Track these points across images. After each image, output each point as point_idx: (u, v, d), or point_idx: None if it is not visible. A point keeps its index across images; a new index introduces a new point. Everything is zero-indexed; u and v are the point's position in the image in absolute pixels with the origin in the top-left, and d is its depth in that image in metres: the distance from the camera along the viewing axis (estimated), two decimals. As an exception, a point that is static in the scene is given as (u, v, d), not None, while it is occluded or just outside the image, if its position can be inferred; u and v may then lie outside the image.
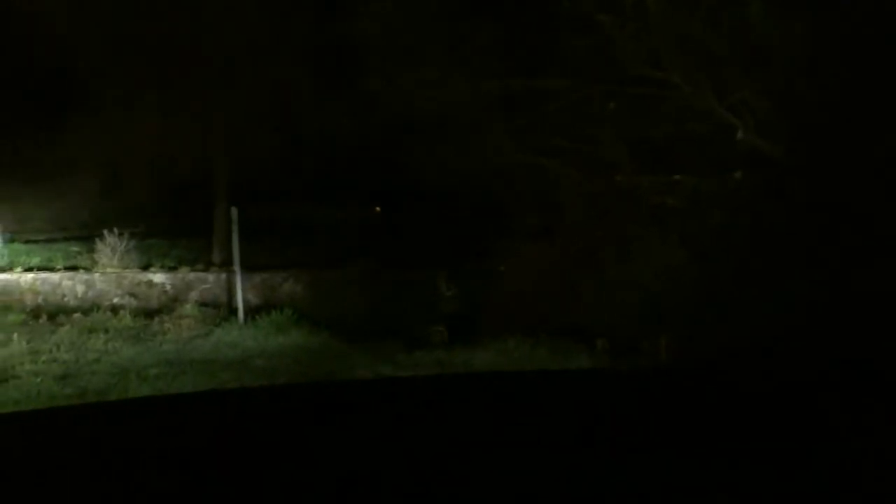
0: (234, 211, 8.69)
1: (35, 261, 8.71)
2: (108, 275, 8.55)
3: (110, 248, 8.61)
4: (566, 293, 7.03)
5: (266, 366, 6.88)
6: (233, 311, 8.51)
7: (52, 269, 8.52)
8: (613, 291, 6.71)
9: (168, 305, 8.49)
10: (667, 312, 6.48)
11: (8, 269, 8.40)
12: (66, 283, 8.39)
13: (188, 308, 8.40)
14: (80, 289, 8.40)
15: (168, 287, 8.72)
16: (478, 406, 1.85)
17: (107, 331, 7.61)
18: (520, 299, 7.22)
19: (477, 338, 7.44)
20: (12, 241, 8.88)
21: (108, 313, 8.10)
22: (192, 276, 8.85)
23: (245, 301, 8.53)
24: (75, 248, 9.10)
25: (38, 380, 6.05)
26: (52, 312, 8.01)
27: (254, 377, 6.56)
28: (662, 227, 6.69)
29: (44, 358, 6.65)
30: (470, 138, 7.16)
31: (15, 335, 7.18)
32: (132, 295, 8.60)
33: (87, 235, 9.06)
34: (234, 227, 8.65)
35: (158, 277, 8.72)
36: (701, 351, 5.99)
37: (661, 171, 6.92)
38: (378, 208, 9.83)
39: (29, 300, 8.19)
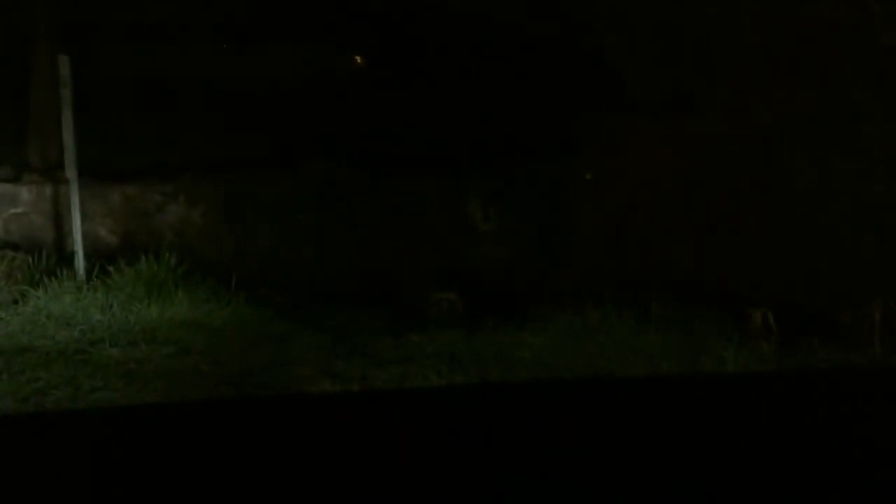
0: (63, 62, 8.20)
1: None
2: None
3: None
4: (701, 226, 7.16)
5: (125, 358, 6.68)
6: (66, 256, 8.30)
7: None
8: (792, 219, 6.83)
9: (-60, 246, 8.25)
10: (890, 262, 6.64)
11: None
12: None
13: (-20, 253, 8.15)
14: None
15: (-60, 212, 8.53)
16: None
17: None
18: (616, 236, 7.31)
19: (532, 305, 7.43)
20: None
21: None
22: (-11, 191, 8.62)
23: (91, 239, 8.34)
24: None
25: None
26: None
27: (98, 378, 6.33)
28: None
29: None
30: None
31: None
32: None
33: None
34: (66, 94, 8.20)
35: (-79, 194, 8.47)
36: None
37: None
38: (358, 58, 9.53)
39: None
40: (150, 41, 8.99)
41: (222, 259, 8.14)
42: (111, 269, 8.04)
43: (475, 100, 8.45)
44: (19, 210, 8.61)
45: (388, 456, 2.16)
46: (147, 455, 2.19)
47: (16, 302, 7.60)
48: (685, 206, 7.41)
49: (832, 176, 6.95)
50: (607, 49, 7.61)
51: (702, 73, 7.49)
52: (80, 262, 8.18)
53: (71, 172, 8.33)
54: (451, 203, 8.43)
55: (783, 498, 1.99)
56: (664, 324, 7.02)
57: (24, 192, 8.67)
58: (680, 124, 7.45)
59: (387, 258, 8.15)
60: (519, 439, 2.24)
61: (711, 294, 7.12)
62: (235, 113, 9.07)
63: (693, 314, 7.07)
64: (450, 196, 8.47)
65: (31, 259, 8.20)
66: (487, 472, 2.05)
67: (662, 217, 7.40)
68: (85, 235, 8.31)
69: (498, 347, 6.94)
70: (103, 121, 8.60)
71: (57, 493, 2.03)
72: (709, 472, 2.06)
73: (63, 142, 8.37)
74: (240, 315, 7.57)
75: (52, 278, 7.98)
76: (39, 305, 7.55)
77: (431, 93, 8.69)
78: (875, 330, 6.57)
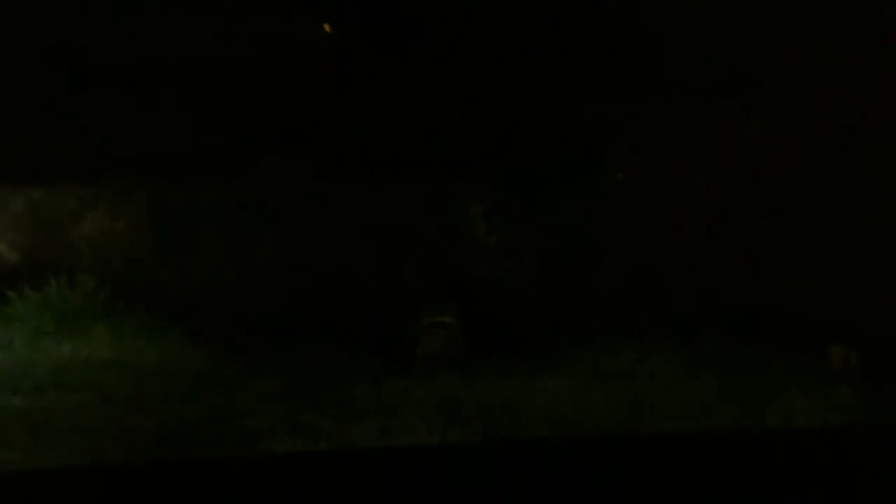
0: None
1: None
2: None
3: None
4: (764, 240, 7.36)
5: (30, 409, 6.64)
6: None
7: None
8: (878, 231, 7.04)
9: None
10: None
11: None
12: None
13: None
14: None
15: None
16: None
17: None
18: (655, 253, 7.48)
19: (549, 339, 7.53)
20: None
21: None
22: None
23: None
24: None
25: None
26: None
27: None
28: None
29: None
30: None
31: None
32: None
33: None
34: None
35: None
36: None
37: None
38: (330, 29, 9.53)
39: None
40: (64, 3, 8.89)
41: (154, 283, 8.14)
42: (13, 294, 8.03)
43: (477, 82, 8.38)
44: None
45: None
46: None
47: None
48: (743, 214, 7.47)
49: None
50: (645, 17, 7.70)
51: (764, 46, 7.53)
52: (-32, 289, 8.15)
53: (-42, 171, 8.33)
54: (447, 210, 8.44)
55: None
56: (719, 364, 7.03)
57: None
58: (735, 112, 7.52)
59: (366, 280, 8.11)
60: None
61: (778, 327, 7.13)
62: (174, 98, 8.89)
63: (755, 352, 7.10)
64: (446, 202, 8.45)
65: None
66: None
67: (714, 228, 7.45)
68: (-21, 254, 8.36)
69: (506, 393, 6.88)
70: (2, 107, 8.51)
71: None
72: None
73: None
74: (177, 354, 7.56)
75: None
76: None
77: (422, 74, 8.59)
78: None
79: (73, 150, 8.75)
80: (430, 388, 7.05)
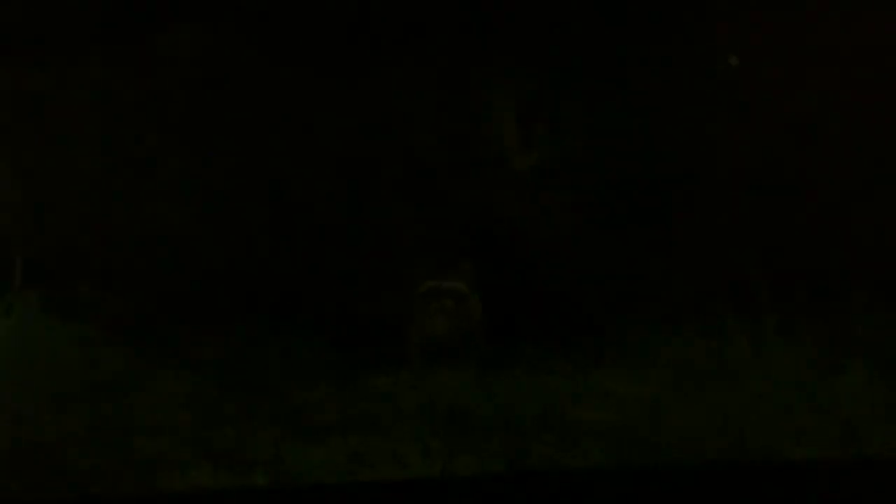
0: None
1: None
2: None
3: None
4: None
5: None
6: None
7: None
8: None
9: None
10: None
11: None
12: None
13: None
14: None
15: None
16: None
17: None
18: (782, 185, 7.74)
19: (613, 315, 7.88)
20: None
21: None
22: None
23: None
24: None
25: None
26: None
27: None
28: None
29: None
30: None
31: None
32: None
33: None
34: None
35: None
36: None
37: None
38: None
39: None
40: None
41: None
42: None
43: None
44: None
45: None
46: None
47: None
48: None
49: None
50: None
51: None
52: None
53: None
54: (457, 109, 8.31)
55: None
56: (880, 354, 7.35)
57: None
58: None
59: (331, 222, 8.06)
60: None
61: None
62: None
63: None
64: (456, 95, 8.32)
65: None
66: None
67: (874, 147, 7.50)
68: None
69: (546, 397, 7.24)
70: None
71: None
72: None
73: None
74: (31, 334, 7.91)
75: None
76: None
77: None
78: None
79: None
80: (429, 389, 7.39)
